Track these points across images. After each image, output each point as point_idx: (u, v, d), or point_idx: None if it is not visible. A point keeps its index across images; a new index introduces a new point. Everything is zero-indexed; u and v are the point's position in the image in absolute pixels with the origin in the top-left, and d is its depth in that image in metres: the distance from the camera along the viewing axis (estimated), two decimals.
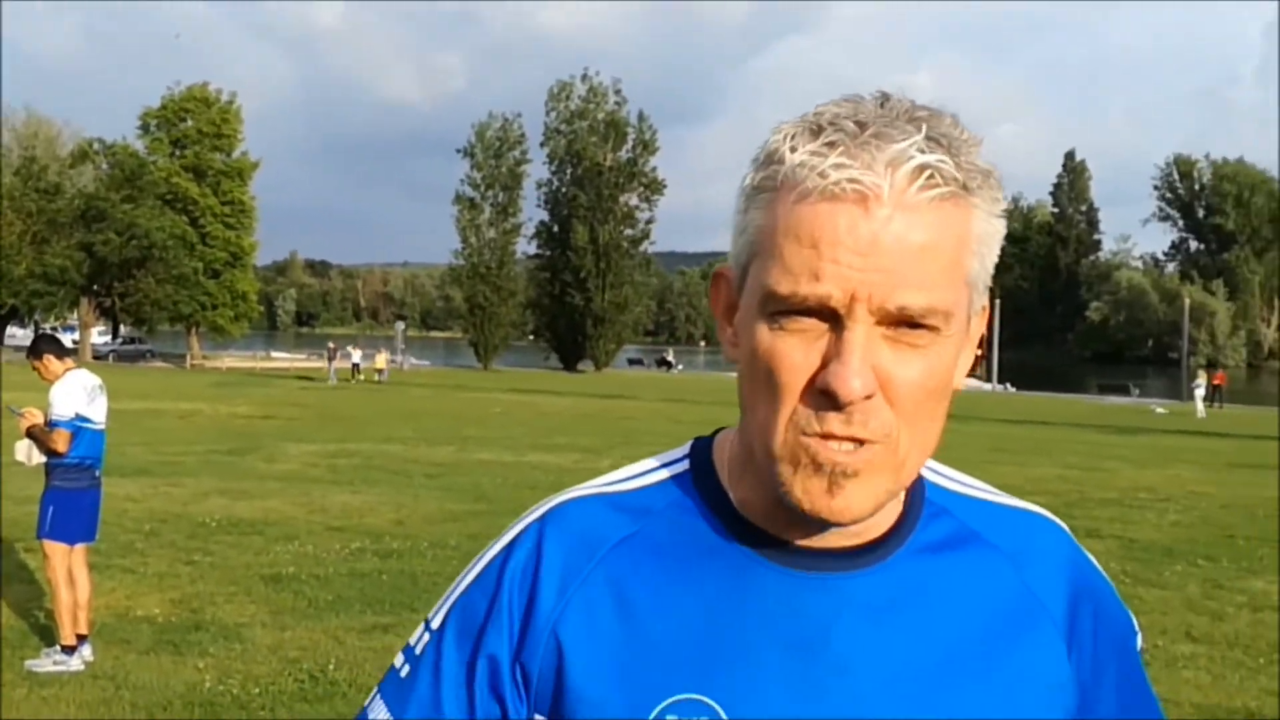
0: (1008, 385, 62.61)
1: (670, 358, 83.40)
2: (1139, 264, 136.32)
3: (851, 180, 0.85)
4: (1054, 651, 1.00)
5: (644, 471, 1.06)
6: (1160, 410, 42.29)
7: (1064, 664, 1.00)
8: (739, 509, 0.99)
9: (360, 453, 18.38)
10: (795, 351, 0.88)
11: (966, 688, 0.95)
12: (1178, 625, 8.04)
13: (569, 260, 71.74)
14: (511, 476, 15.71)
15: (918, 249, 0.86)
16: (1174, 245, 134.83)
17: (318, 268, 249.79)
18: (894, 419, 0.88)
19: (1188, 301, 75.48)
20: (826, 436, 0.88)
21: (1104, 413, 41.19)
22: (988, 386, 62.40)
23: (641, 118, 73.59)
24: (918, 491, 1.03)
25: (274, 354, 74.00)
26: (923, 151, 0.86)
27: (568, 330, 73.31)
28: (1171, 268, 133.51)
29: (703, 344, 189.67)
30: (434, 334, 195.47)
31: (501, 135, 70.85)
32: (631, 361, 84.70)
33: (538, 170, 73.55)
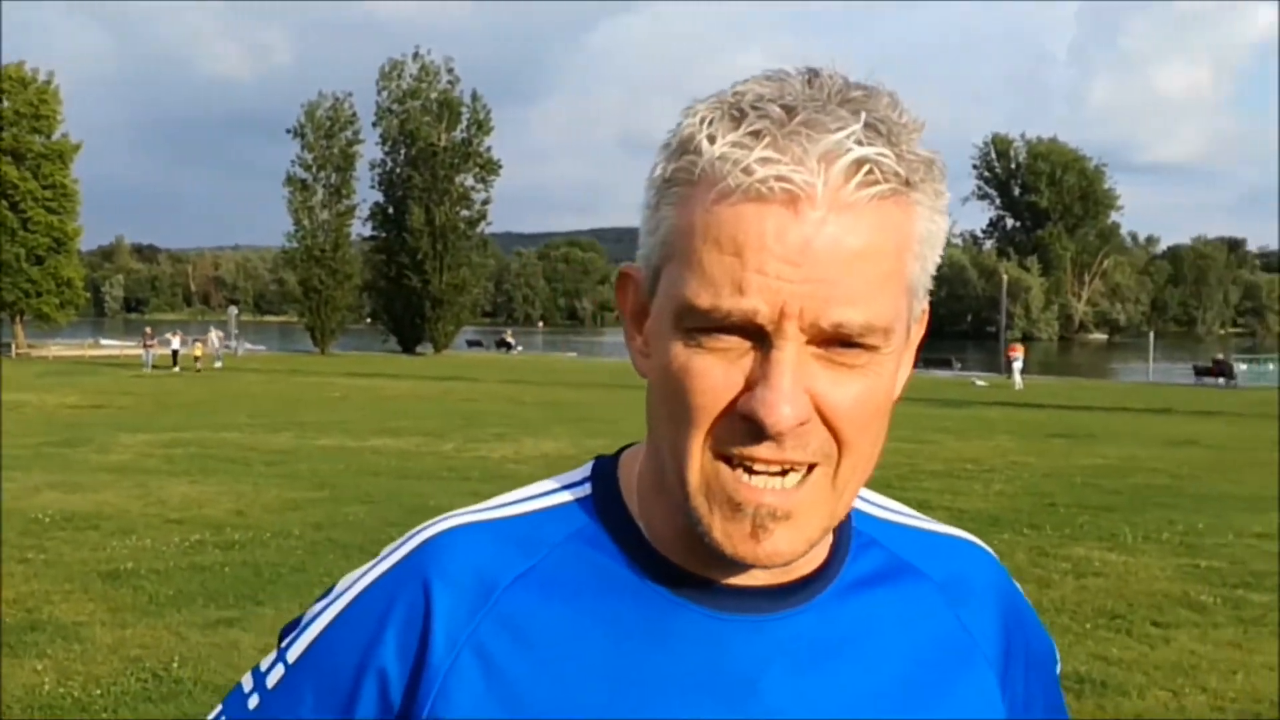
0: None
1: (510, 339, 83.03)
2: (959, 241, 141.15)
3: (780, 178, 0.74)
4: (988, 689, 0.93)
5: (536, 494, 0.94)
6: (980, 383, 44.00)
7: (998, 702, 0.93)
8: (652, 542, 0.88)
9: (196, 441, 17.88)
10: (715, 371, 0.77)
11: None
12: None
13: (405, 242, 70.80)
14: (354, 462, 15.50)
15: (854, 256, 0.75)
16: (991, 223, 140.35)
17: (146, 252, 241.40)
18: (832, 441, 0.78)
19: (1005, 278, 78.45)
20: (753, 462, 0.78)
21: (928, 386, 42.59)
22: None
23: (475, 97, 73.06)
24: (846, 521, 0.93)
25: (103, 341, 71.10)
26: (860, 143, 0.75)
27: (405, 313, 72.39)
28: (989, 244, 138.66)
29: (540, 325, 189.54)
30: (268, 318, 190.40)
31: (332, 115, 69.29)
32: (470, 343, 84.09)
33: (371, 151, 72.32)
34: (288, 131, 69.13)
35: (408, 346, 72.61)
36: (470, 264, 73.18)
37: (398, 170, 72.59)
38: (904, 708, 0.88)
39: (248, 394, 30.72)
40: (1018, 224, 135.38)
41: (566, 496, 0.93)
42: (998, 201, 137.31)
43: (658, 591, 0.87)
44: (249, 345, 69.40)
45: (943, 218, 0.81)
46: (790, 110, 0.75)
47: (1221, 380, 48.14)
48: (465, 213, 72.49)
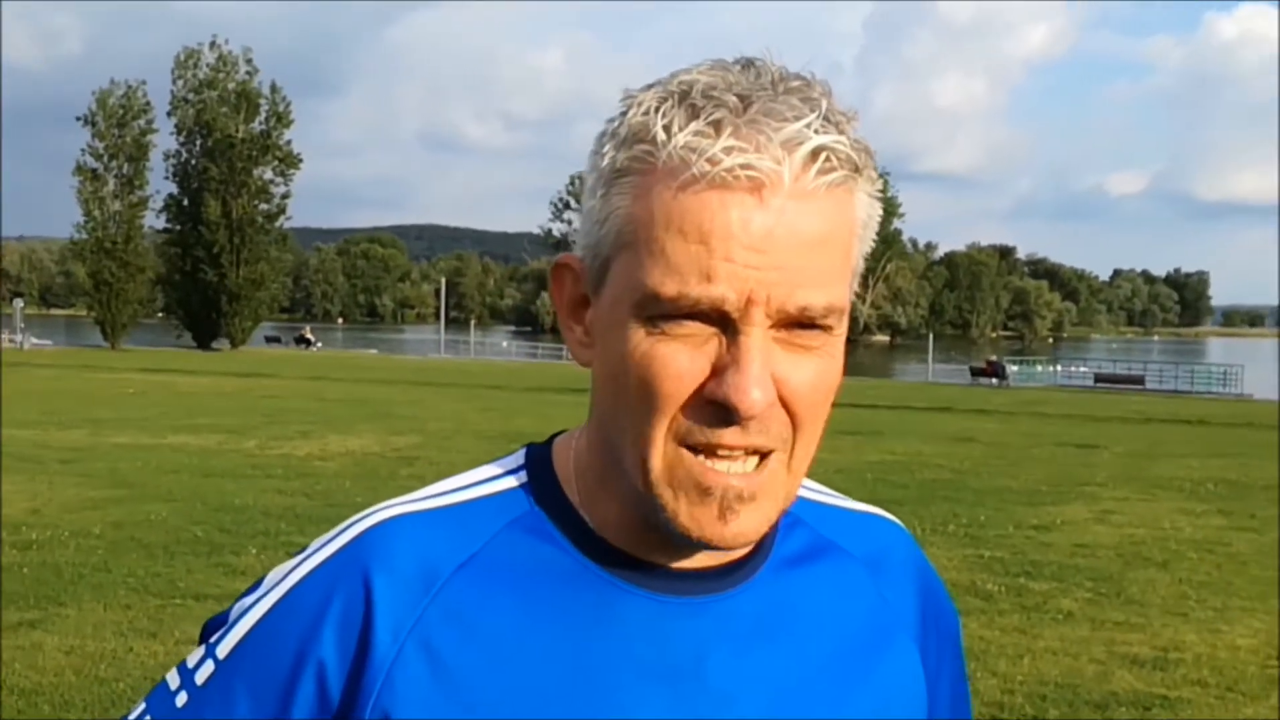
0: None
1: (309, 335, 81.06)
2: None
3: (745, 166, 0.75)
4: (911, 659, 0.97)
5: (472, 483, 0.93)
6: None
7: (919, 671, 0.98)
8: (595, 529, 0.89)
9: None
10: (681, 358, 0.78)
11: (842, 705, 0.91)
12: None
13: (201, 235, 68.20)
14: (152, 460, 14.98)
15: (815, 241, 0.78)
16: None
17: None
18: (789, 425, 0.81)
19: None
20: (718, 449, 0.79)
21: None
22: None
23: (274, 89, 70.88)
24: None
25: None
26: (818, 131, 0.77)
27: (201, 307, 69.74)
28: None
29: (340, 321, 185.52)
30: (55, 312, 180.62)
31: (125, 103, 66.20)
32: (269, 339, 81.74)
33: (165, 141, 69.37)
34: (78, 119, 65.86)
35: (203, 342, 70.05)
36: (269, 259, 70.98)
37: (193, 161, 69.85)
38: (838, 681, 0.92)
39: (37, 390, 29.14)
40: None
41: (503, 485, 0.93)
42: None
43: (601, 577, 0.87)
44: (35, 340, 65.81)
45: (878, 204, 0.84)
46: (745, 99, 0.77)
47: (995, 380, 50.74)
48: (264, 206, 70.31)
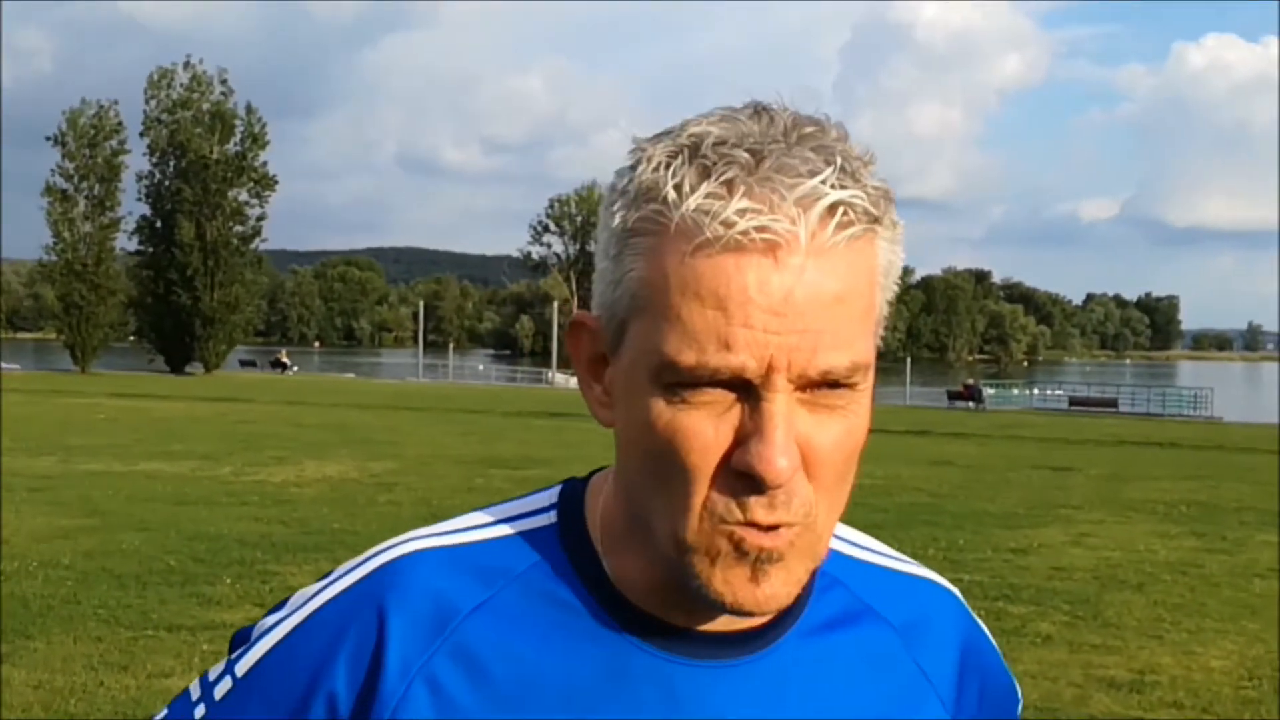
0: None
1: (285, 359, 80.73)
2: None
3: (761, 229, 0.73)
4: None
5: (499, 520, 0.92)
6: None
7: None
8: (615, 583, 0.87)
9: None
10: (704, 428, 0.77)
11: None
12: None
13: (174, 257, 67.81)
14: (125, 488, 14.81)
15: (834, 300, 0.75)
16: None
17: None
18: (813, 493, 0.79)
19: None
20: (749, 525, 0.78)
21: None
22: None
23: (250, 110, 70.63)
24: None
25: None
26: (834, 186, 0.75)
27: (174, 331, 69.28)
28: None
29: (317, 345, 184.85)
30: (22, 335, 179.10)
31: (96, 123, 65.91)
32: (244, 363, 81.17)
33: (138, 162, 69.11)
34: (47, 139, 65.56)
35: (176, 366, 69.56)
36: (243, 281, 70.50)
37: (167, 183, 69.51)
38: None
39: (4, 415, 28.93)
40: None
41: (533, 523, 0.91)
42: None
43: (617, 633, 0.86)
44: (2, 364, 65.31)
45: (900, 246, 0.82)
46: (757, 154, 0.75)
47: (971, 404, 50.98)
48: (239, 228, 70.01)
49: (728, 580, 0.79)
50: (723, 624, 0.87)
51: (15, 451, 19.05)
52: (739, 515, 0.77)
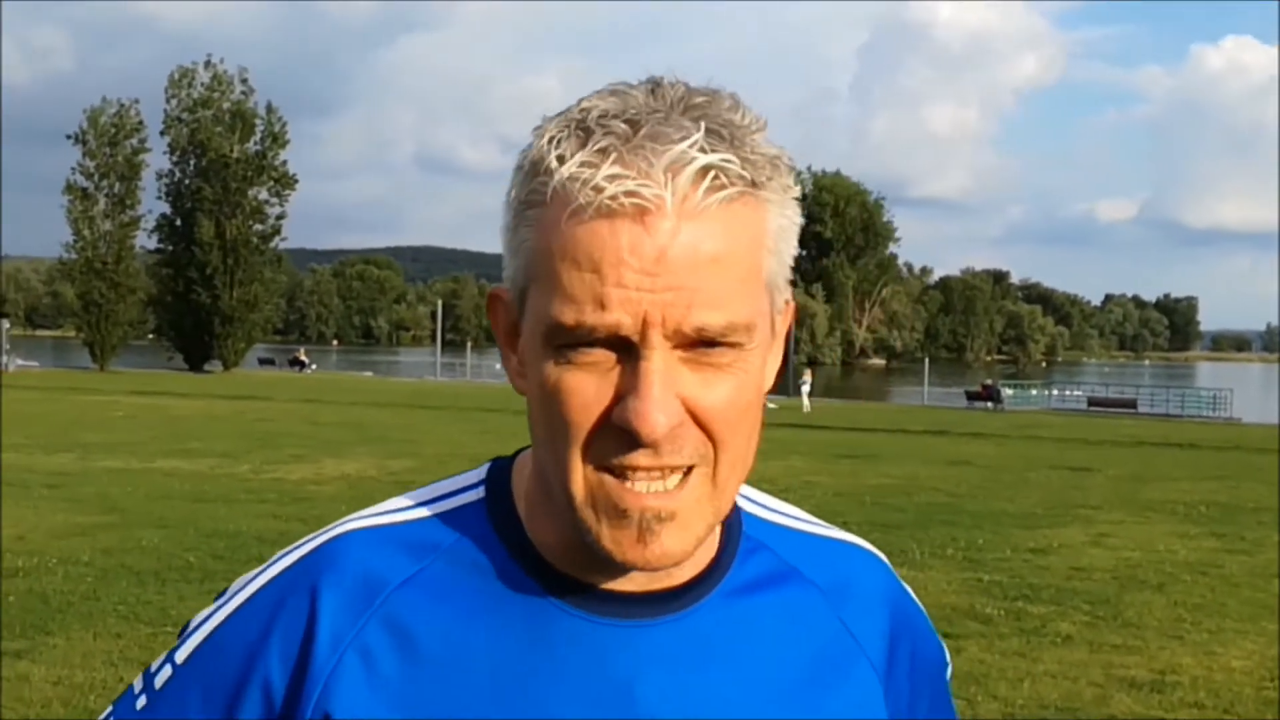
0: None
1: (304, 357, 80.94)
2: None
3: (629, 193, 0.76)
4: (870, 693, 0.95)
5: (433, 499, 0.95)
6: (771, 405, 45.12)
7: (880, 706, 0.96)
8: (537, 549, 0.90)
9: None
10: (586, 386, 0.80)
11: None
12: None
13: (194, 256, 68.20)
14: (142, 485, 14.88)
15: (709, 260, 0.78)
16: None
17: None
18: (708, 444, 0.81)
19: (793, 304, 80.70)
20: (633, 470, 0.80)
21: None
22: None
23: (270, 109, 71.11)
24: (735, 525, 0.95)
25: None
26: (704, 150, 0.77)
27: (194, 329, 69.63)
28: None
29: (335, 343, 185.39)
30: (41, 333, 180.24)
31: (117, 122, 66.29)
32: (262, 361, 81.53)
33: (158, 160, 69.46)
34: (68, 137, 65.94)
35: (195, 364, 69.92)
36: (262, 280, 70.89)
37: (187, 181, 69.93)
38: (783, 710, 0.90)
39: (22, 413, 28.98)
40: (804, 253, 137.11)
41: (462, 500, 0.95)
42: None
43: (540, 596, 0.89)
44: (20, 361, 65.56)
45: (794, 211, 0.85)
46: (634, 124, 0.78)
47: (990, 404, 50.83)
48: (258, 227, 70.39)
49: (616, 539, 0.82)
50: (643, 583, 0.89)
51: (33, 449, 19.17)
52: (620, 464, 0.80)
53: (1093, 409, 51.34)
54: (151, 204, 69.51)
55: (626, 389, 0.79)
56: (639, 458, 0.80)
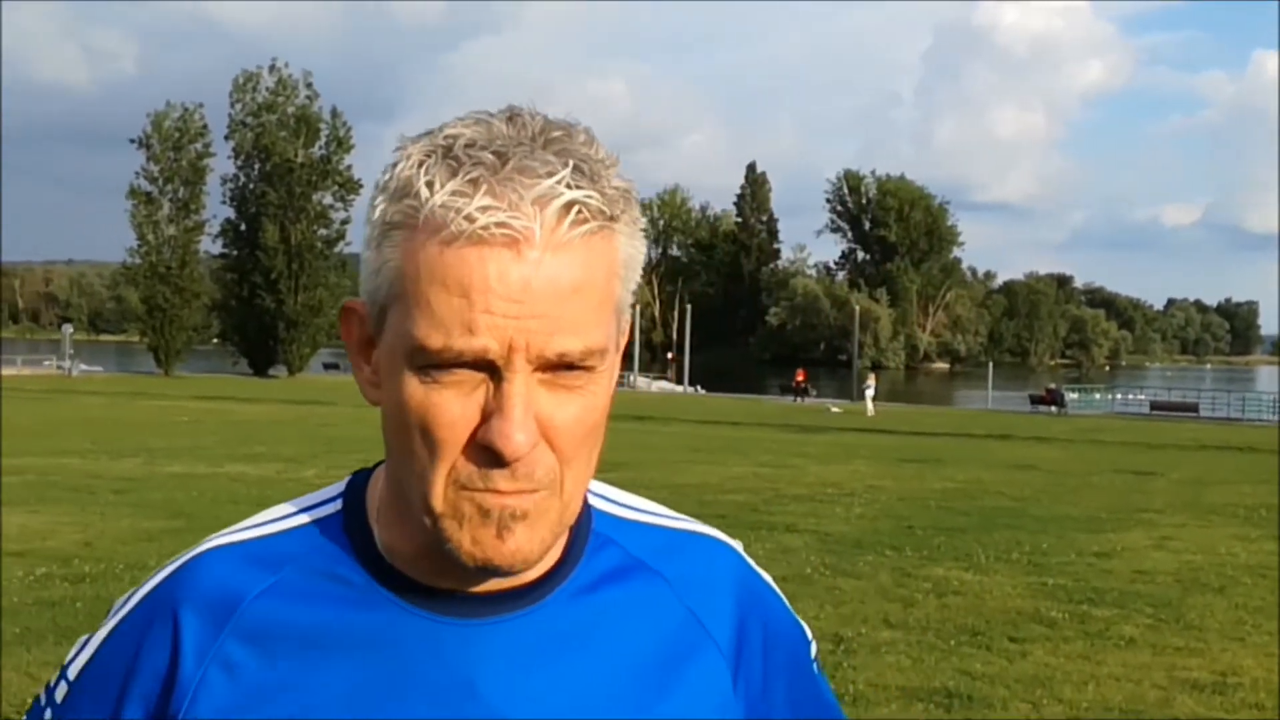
0: (698, 387, 64.96)
1: None
2: (813, 272, 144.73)
3: (500, 224, 0.80)
4: (718, 677, 0.98)
5: (289, 514, 0.99)
6: (835, 409, 44.99)
7: (729, 689, 0.98)
8: (385, 555, 0.94)
9: (33, 468, 16.87)
10: (452, 405, 0.83)
11: None
12: (875, 613, 8.57)
13: (258, 260, 69.06)
14: (209, 490, 15.06)
15: (570, 290, 0.82)
16: (844, 255, 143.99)
17: None
18: (556, 463, 0.85)
19: (858, 308, 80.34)
20: (493, 492, 0.84)
21: (786, 412, 43.44)
22: (679, 389, 64.58)
23: (335, 114, 71.88)
24: (583, 524, 0.98)
25: None
26: (569, 186, 0.82)
27: (258, 334, 70.55)
28: (841, 276, 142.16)
29: None
30: (105, 338, 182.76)
31: (181, 126, 67.33)
32: (327, 366, 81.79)
33: (222, 165, 70.42)
34: (132, 142, 67.02)
35: (259, 369, 70.77)
36: (327, 284, 71.26)
37: (251, 186, 70.81)
38: (630, 700, 0.93)
39: (86, 418, 29.47)
40: (868, 257, 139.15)
41: (319, 513, 0.99)
42: (849, 235, 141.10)
43: (388, 599, 0.92)
44: (84, 366, 66.61)
45: (641, 241, 0.89)
46: (501, 156, 0.82)
47: (1054, 408, 50.21)
48: (323, 232, 71.12)
49: (476, 540, 0.85)
50: (490, 585, 0.93)
51: (98, 454, 19.45)
52: (480, 484, 0.84)
53: (1155, 413, 50.63)
54: (216, 208, 70.47)
55: (491, 409, 0.83)
56: (498, 479, 0.84)
